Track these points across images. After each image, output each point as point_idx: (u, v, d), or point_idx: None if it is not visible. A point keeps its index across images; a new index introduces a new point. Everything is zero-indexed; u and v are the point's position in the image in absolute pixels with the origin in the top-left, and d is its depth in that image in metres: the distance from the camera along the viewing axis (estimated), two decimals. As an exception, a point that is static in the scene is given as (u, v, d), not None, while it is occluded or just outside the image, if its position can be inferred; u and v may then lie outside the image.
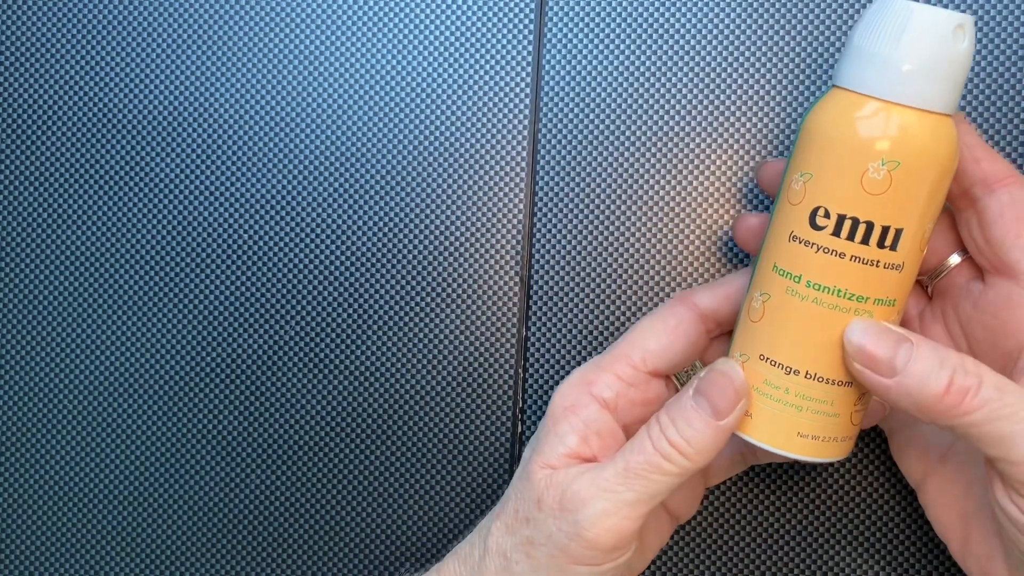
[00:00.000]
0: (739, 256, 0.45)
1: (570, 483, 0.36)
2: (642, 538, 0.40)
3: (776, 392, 0.36)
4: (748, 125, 0.45)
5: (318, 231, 0.47)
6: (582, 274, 0.46)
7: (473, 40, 0.46)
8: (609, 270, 0.45)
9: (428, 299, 0.46)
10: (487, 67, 0.46)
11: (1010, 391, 0.33)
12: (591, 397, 0.38)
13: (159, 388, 0.48)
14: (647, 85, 0.45)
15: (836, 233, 0.34)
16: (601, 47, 0.45)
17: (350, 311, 0.47)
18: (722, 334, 0.41)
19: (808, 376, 0.36)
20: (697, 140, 0.45)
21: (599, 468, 0.37)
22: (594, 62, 0.45)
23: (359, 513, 0.47)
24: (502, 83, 0.46)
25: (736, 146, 0.45)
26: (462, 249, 0.46)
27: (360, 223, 0.46)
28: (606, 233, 0.45)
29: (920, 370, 0.33)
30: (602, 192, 0.45)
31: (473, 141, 0.46)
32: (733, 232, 0.43)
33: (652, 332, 0.39)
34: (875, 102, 0.34)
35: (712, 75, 0.45)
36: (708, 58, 0.45)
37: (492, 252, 0.46)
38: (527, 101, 0.46)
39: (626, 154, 0.45)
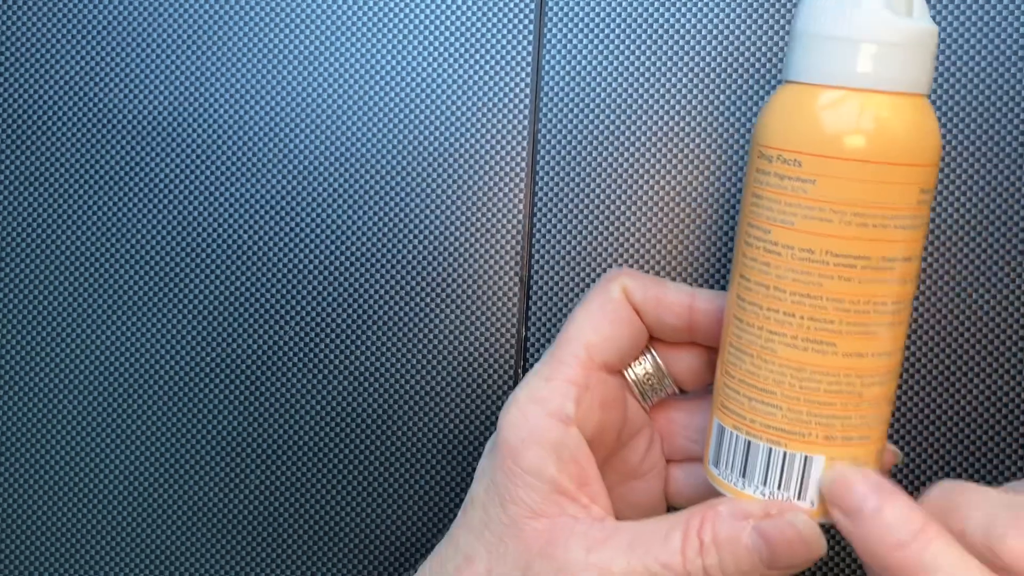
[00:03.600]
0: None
1: (571, 566, 0.32)
2: None
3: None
4: (748, 125, 0.45)
5: (318, 231, 0.47)
6: (582, 274, 0.46)
7: (473, 40, 0.46)
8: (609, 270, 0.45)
9: (428, 299, 0.46)
10: (487, 67, 0.46)
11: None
12: (550, 418, 0.33)
13: (159, 388, 0.48)
14: (647, 85, 0.45)
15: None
16: (601, 47, 0.45)
17: (350, 311, 0.47)
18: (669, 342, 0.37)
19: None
20: (696, 140, 0.45)
21: (608, 553, 0.31)
22: (594, 62, 0.45)
23: (358, 513, 0.47)
24: (502, 83, 0.46)
25: (736, 146, 0.45)
26: (462, 249, 0.46)
27: (360, 223, 0.46)
28: (606, 233, 0.45)
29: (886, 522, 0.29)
30: (602, 192, 0.45)
31: (473, 141, 0.46)
32: None
33: (590, 324, 0.34)
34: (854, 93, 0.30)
35: (712, 75, 0.45)
36: (708, 58, 0.45)
37: (492, 252, 0.46)
38: (527, 101, 0.46)
39: (626, 154, 0.45)
